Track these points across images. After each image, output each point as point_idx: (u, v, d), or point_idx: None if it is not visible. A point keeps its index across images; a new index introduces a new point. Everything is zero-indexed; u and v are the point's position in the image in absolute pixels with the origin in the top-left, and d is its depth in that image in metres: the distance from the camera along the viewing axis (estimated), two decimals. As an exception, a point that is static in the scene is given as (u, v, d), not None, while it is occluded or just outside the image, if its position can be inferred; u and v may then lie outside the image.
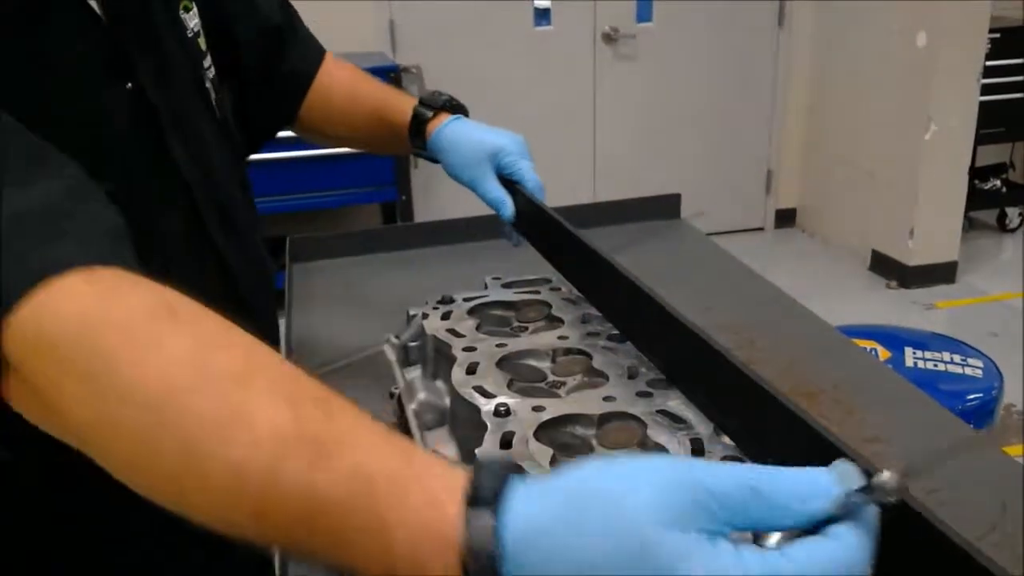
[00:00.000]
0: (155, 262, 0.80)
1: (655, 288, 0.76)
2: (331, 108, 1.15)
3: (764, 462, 0.58)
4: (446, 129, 1.06)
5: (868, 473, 0.42)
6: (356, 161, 3.55)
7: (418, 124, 1.07)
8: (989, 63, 3.90)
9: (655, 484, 0.40)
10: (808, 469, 0.42)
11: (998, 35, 4.02)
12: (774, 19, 4.51)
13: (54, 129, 0.72)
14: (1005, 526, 0.86)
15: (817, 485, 0.41)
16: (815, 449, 0.52)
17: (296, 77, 1.12)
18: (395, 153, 1.17)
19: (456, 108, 1.09)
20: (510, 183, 1.04)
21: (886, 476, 0.41)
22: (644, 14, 4.34)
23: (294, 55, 1.10)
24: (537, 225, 1.00)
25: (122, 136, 0.79)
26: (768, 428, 0.57)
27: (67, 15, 0.75)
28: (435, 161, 1.10)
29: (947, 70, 3.77)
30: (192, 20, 0.91)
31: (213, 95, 0.93)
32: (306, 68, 1.13)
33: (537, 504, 0.42)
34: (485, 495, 0.42)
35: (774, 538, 0.42)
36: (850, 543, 0.40)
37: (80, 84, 0.76)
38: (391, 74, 3.66)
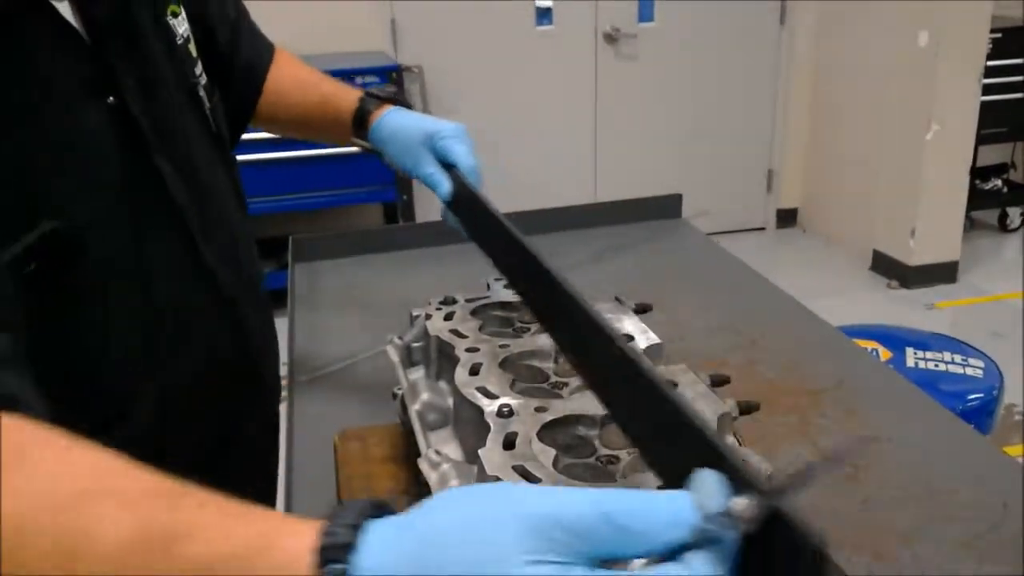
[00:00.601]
0: (144, 285, 0.80)
1: (658, 287, 0.76)
2: (282, 96, 1.16)
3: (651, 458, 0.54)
4: (385, 118, 1.07)
5: (740, 485, 0.40)
6: (357, 161, 3.54)
7: (362, 114, 1.08)
8: (990, 63, 3.90)
9: (507, 524, 0.40)
10: (665, 494, 0.41)
11: (999, 35, 4.02)
12: (776, 18, 4.51)
13: (32, 148, 0.70)
14: (1006, 526, 0.87)
15: (673, 512, 0.40)
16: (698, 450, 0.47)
17: (252, 69, 1.12)
18: (334, 142, 1.18)
19: (399, 103, 1.10)
20: (450, 168, 1.02)
21: (740, 504, 0.39)
22: (646, 14, 4.34)
23: (247, 48, 1.11)
24: (468, 208, 0.98)
25: (106, 154, 0.77)
26: (641, 412, 0.54)
27: (39, 27, 0.72)
28: (376, 153, 1.11)
29: (949, 69, 3.77)
30: (181, 26, 0.90)
31: (207, 104, 0.92)
32: (260, 60, 1.14)
33: (392, 554, 0.41)
34: (335, 552, 0.42)
35: (638, 564, 0.41)
36: (701, 573, 0.39)
37: (58, 99, 0.73)
38: (392, 73, 3.65)
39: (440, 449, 0.72)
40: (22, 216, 0.69)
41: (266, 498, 1.10)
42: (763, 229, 4.89)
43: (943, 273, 4.10)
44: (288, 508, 0.91)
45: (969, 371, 1.94)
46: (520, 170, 4.18)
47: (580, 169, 4.50)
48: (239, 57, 1.09)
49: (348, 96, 1.11)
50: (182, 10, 0.89)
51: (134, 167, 0.79)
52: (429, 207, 4.01)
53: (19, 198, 0.69)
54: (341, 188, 3.73)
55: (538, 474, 0.62)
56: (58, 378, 0.74)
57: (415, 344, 0.90)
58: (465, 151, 1.01)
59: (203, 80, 0.92)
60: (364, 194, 3.83)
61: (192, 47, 0.91)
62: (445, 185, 1.00)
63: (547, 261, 0.70)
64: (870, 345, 2.00)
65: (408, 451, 0.94)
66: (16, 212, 0.69)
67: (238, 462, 0.99)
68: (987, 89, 3.92)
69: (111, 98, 0.77)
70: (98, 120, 0.76)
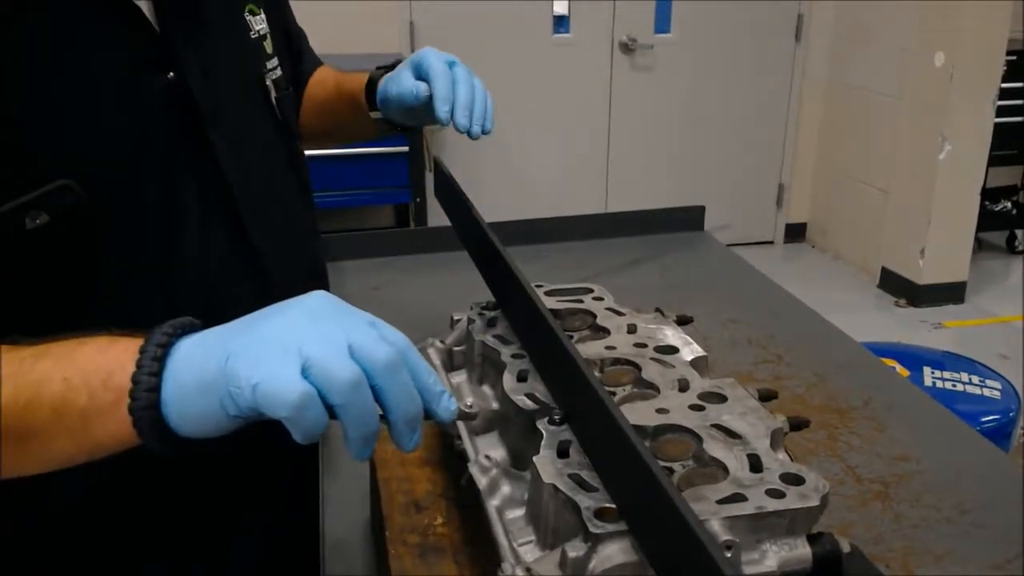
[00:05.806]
0: (177, 256, 0.81)
1: (682, 299, 0.77)
2: (304, 98, 1.18)
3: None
4: (389, 75, 1.08)
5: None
6: (370, 162, 3.56)
7: (372, 83, 1.10)
8: (1003, 85, 3.91)
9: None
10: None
11: (1014, 58, 4.03)
12: (791, 34, 4.53)
13: (90, 117, 0.73)
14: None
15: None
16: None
17: (301, 76, 1.17)
18: (355, 128, 1.18)
19: None
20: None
21: None
22: (662, 25, 4.36)
23: (307, 56, 1.16)
24: (452, 201, 0.99)
25: (160, 127, 0.79)
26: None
27: (102, 5, 0.75)
28: (394, 126, 1.12)
29: (963, 91, 3.78)
30: (258, 24, 0.94)
31: (273, 94, 0.95)
32: (308, 68, 1.18)
33: (200, 338, 0.58)
34: (153, 351, 0.56)
35: None
36: None
37: (117, 72, 0.76)
38: (409, 76, 3.66)
39: (488, 454, 0.73)
40: (39, 171, 0.71)
41: (307, 487, 1.07)
42: (771, 243, 4.90)
43: (951, 293, 4.11)
44: (324, 512, 0.91)
45: (987, 392, 1.94)
46: (531, 176, 4.19)
47: (591, 178, 4.51)
48: (302, 63, 1.15)
49: (361, 75, 1.13)
50: (261, 11, 0.94)
51: (186, 140, 0.82)
52: (441, 210, 4.01)
53: (38, 153, 0.71)
54: (353, 189, 3.73)
55: (594, 483, 0.62)
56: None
57: (456, 348, 0.90)
58: (444, 70, 0.99)
59: (275, 74, 0.95)
60: (376, 195, 3.83)
61: (268, 44, 0.95)
62: (423, 89, 0.99)
63: (513, 262, 0.75)
64: (887, 363, 2.01)
65: (443, 454, 0.94)
66: (32, 166, 0.70)
67: (279, 449, 0.98)
68: (998, 111, 3.93)
69: (171, 74, 0.80)
70: (155, 94, 0.79)
